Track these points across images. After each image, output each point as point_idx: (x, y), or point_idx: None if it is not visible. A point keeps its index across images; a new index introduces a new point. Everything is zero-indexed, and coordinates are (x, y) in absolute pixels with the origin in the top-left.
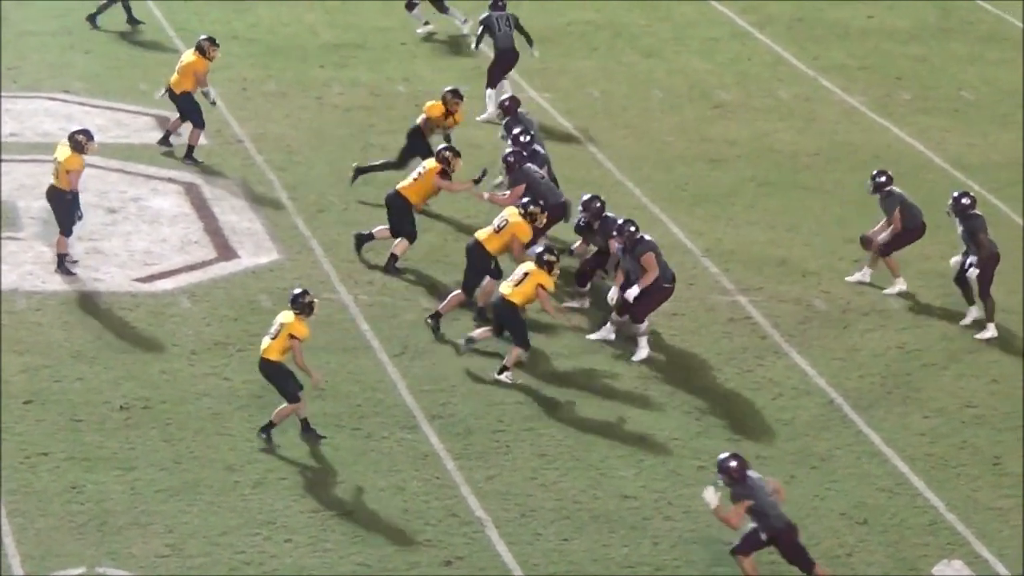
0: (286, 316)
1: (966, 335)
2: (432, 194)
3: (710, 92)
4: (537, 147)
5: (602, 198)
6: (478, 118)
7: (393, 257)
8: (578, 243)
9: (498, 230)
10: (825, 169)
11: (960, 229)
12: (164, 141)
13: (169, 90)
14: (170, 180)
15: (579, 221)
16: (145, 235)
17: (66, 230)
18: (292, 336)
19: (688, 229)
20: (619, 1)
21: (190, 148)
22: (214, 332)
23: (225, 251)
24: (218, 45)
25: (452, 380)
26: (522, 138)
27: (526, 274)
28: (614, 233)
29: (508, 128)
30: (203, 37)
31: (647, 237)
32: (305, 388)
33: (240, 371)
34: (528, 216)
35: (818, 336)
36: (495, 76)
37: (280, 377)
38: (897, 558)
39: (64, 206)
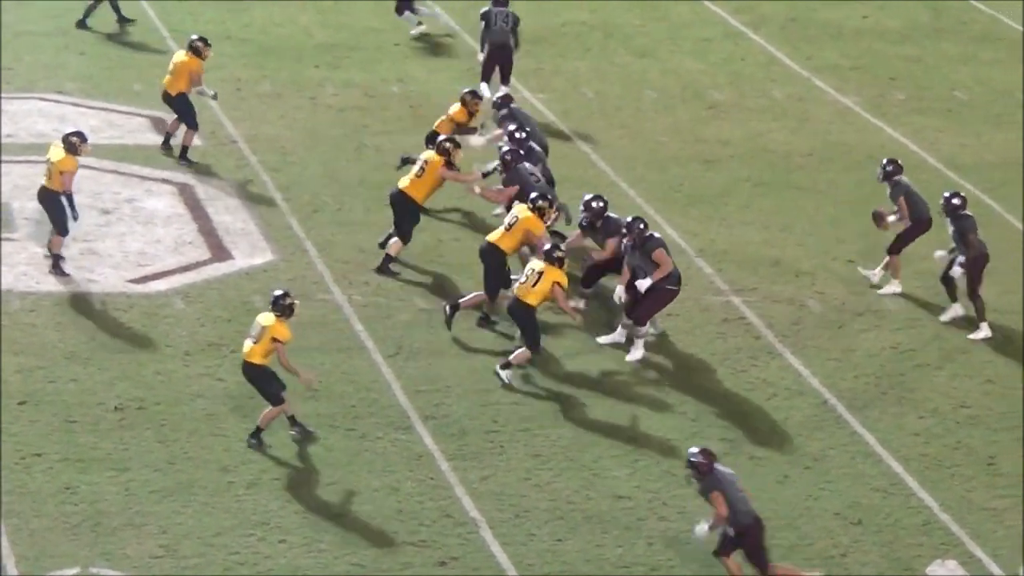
0: (267, 319)
1: (960, 335)
2: (437, 187)
3: (704, 92)
4: (533, 145)
5: (604, 198)
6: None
7: (387, 258)
8: (574, 235)
9: (509, 228)
10: (819, 169)
11: (951, 229)
12: (166, 144)
13: (164, 92)
14: (164, 181)
15: (582, 220)
16: (139, 236)
17: (62, 230)
18: (275, 339)
19: (682, 229)
20: (613, 1)
21: (184, 149)
22: (208, 333)
23: (219, 252)
24: (210, 45)
25: (446, 381)
26: (517, 135)
27: (540, 274)
28: (623, 231)
29: (501, 123)
30: (195, 37)
31: (656, 235)
32: (294, 388)
33: (234, 372)
34: (537, 211)
35: (812, 336)
36: (487, 70)
37: (263, 380)
38: (891, 558)
39: (58, 206)
